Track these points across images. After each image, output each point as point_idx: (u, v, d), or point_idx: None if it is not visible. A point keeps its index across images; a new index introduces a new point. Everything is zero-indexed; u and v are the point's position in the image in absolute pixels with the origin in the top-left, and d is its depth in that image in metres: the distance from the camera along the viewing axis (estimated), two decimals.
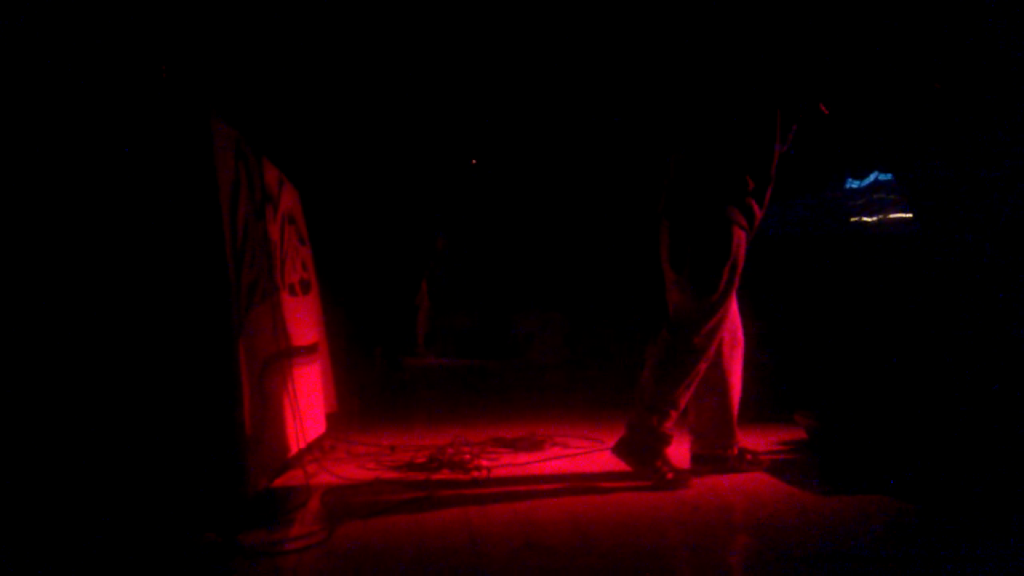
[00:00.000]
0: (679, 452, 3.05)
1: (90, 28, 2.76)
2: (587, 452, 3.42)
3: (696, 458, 3.09)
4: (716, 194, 2.87)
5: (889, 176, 7.49)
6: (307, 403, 3.25)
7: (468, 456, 3.24)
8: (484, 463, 3.18)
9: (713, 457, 3.05)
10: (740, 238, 2.89)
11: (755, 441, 3.45)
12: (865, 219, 7.58)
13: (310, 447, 3.27)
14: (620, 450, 2.92)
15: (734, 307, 3.03)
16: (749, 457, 3.08)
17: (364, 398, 4.85)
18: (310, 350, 3.46)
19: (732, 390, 3.05)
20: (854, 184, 7.86)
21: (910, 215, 6.97)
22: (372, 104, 6.03)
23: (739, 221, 2.87)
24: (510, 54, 6.10)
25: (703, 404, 3.03)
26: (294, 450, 3.01)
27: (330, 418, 3.72)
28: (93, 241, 2.53)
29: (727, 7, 3.27)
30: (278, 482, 2.90)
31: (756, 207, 2.91)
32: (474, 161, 7.80)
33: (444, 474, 3.07)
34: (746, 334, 3.13)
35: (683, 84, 3.16)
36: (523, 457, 3.36)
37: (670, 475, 2.83)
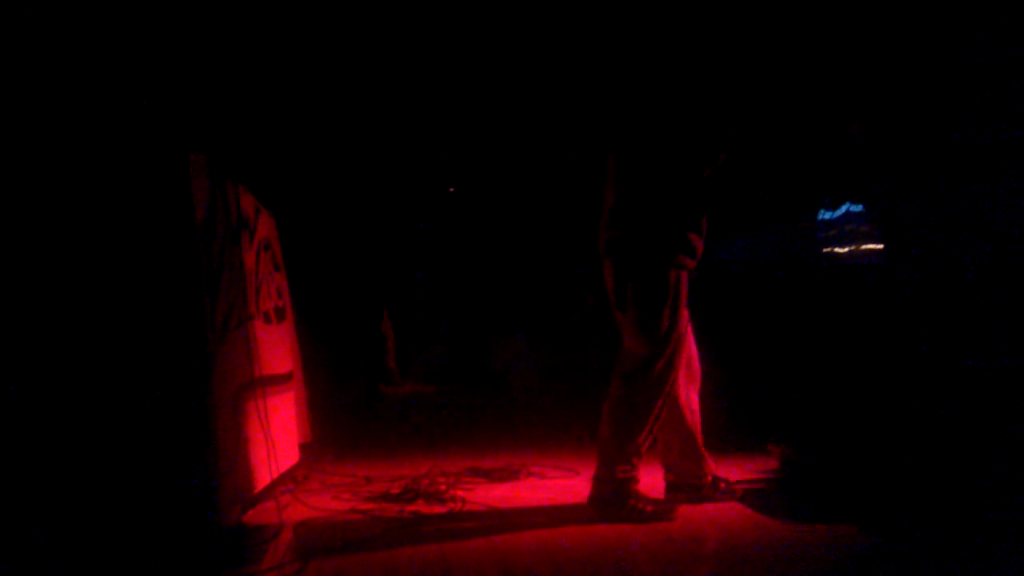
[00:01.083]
0: (652, 481, 3.06)
1: (69, 59, 2.76)
2: (564, 480, 3.41)
3: (671, 486, 3.09)
4: (653, 237, 2.87)
5: (860, 207, 7.62)
6: (281, 432, 3.22)
7: (444, 487, 3.22)
8: (460, 494, 3.16)
9: (688, 486, 3.06)
10: (682, 277, 2.90)
11: (730, 471, 3.45)
12: (837, 250, 7.68)
13: (283, 477, 3.23)
14: (594, 504, 2.89)
15: (690, 339, 3.04)
16: (723, 486, 3.08)
17: (340, 427, 4.81)
18: (284, 378, 3.44)
19: (693, 422, 3.05)
20: (827, 215, 7.99)
21: (881, 246, 7.09)
22: (351, 132, 6.05)
23: (680, 262, 2.88)
24: (484, 78, 6.16)
25: (669, 439, 3.03)
26: (267, 480, 2.98)
27: (304, 448, 3.69)
28: (70, 268, 2.51)
29: (641, 41, 3.32)
30: (251, 513, 2.86)
31: (696, 239, 2.92)
32: (452, 189, 7.83)
33: (419, 505, 3.05)
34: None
35: (608, 117, 3.17)
36: (499, 488, 3.34)
37: (649, 508, 2.82)
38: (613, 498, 2.85)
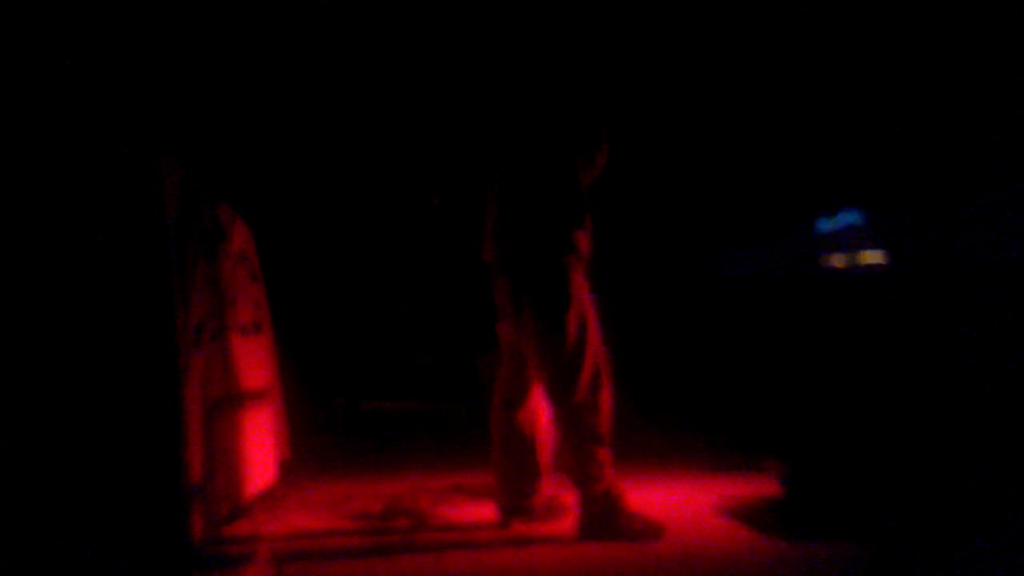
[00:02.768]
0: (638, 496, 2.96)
1: (37, 64, 2.71)
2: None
3: (503, 510, 2.94)
4: (543, 245, 2.80)
5: (858, 218, 7.59)
6: (257, 449, 3.15)
7: (427, 504, 3.13)
8: (443, 511, 3.08)
9: (517, 507, 2.92)
10: (578, 281, 2.81)
11: (724, 489, 3.37)
12: (835, 260, 7.64)
13: (261, 495, 3.15)
14: (584, 530, 2.77)
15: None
16: (554, 504, 2.96)
17: (321, 443, 4.72)
18: (262, 393, 3.35)
19: (538, 438, 2.94)
20: (825, 226, 7.96)
21: (880, 255, 7.04)
22: (330, 140, 5.99)
23: (573, 264, 2.80)
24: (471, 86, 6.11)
25: (507, 457, 2.93)
26: (244, 497, 2.91)
27: (283, 465, 3.60)
28: (37, 277, 2.45)
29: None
30: (226, 530, 2.78)
31: (582, 237, 2.83)
32: (436, 201, 7.74)
33: (401, 523, 2.96)
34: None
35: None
36: (484, 505, 3.24)
37: (638, 526, 2.72)
38: (602, 518, 2.74)
